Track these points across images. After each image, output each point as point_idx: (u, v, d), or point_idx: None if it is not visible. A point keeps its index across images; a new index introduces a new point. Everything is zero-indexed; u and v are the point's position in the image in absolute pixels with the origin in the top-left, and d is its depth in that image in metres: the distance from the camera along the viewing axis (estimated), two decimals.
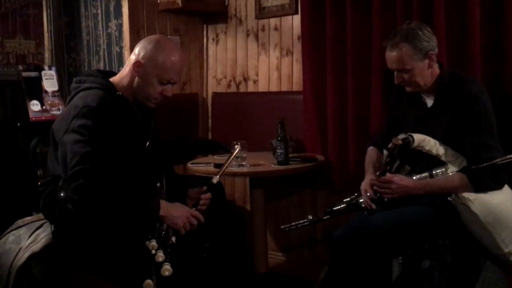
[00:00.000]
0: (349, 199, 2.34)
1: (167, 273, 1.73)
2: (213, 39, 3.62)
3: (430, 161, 2.17)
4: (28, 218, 2.38)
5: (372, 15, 2.73)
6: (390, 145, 2.13)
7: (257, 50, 3.41)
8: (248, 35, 3.44)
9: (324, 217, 2.37)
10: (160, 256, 1.74)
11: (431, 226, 2.13)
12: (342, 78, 2.89)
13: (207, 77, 3.67)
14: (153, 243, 1.77)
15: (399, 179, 2.13)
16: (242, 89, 3.50)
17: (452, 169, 2.12)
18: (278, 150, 2.78)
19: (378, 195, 2.19)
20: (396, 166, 2.22)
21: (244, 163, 2.74)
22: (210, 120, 3.64)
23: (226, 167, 2.10)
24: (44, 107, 3.08)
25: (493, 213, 2.04)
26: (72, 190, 1.73)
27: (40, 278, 2.14)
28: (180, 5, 3.26)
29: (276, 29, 3.31)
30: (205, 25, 3.64)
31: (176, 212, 1.86)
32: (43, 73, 3.14)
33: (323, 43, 2.95)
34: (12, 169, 2.91)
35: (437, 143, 2.15)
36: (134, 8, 3.26)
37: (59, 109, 3.09)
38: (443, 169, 2.13)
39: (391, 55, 2.18)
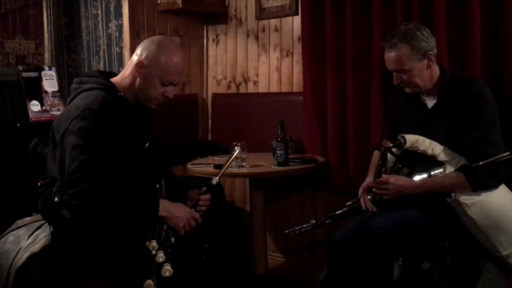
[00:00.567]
0: (351, 202, 2.35)
1: (167, 274, 1.73)
2: (213, 39, 3.62)
3: (429, 163, 2.16)
4: (28, 218, 2.38)
5: (372, 16, 2.73)
6: (381, 149, 2.15)
7: (257, 51, 3.41)
8: (248, 36, 3.44)
9: (327, 221, 2.38)
10: (161, 256, 1.74)
11: (431, 228, 2.13)
12: (342, 79, 2.89)
13: (207, 78, 3.67)
14: (154, 243, 1.77)
15: (395, 180, 2.14)
16: (242, 90, 3.50)
17: (450, 169, 2.11)
18: (278, 151, 2.77)
19: (377, 197, 2.19)
20: (394, 168, 2.22)
21: (244, 164, 2.74)
22: (210, 121, 3.64)
23: (226, 168, 2.10)
24: (44, 108, 3.08)
25: (490, 217, 2.04)
26: (69, 196, 1.73)
27: (39, 279, 2.14)
28: (180, 5, 3.26)
29: (276, 30, 3.31)
30: (205, 26, 3.64)
31: (178, 213, 1.86)
32: (43, 73, 3.14)
33: (323, 44, 2.95)
34: (11, 169, 2.91)
35: (433, 143, 2.15)
36: (134, 8, 3.26)
37: (59, 110, 3.08)
38: (441, 170, 2.13)
39: (389, 55, 2.18)
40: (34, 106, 3.05)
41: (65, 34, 3.53)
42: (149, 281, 1.73)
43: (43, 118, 3.04)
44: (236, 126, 3.39)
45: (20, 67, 3.15)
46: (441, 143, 2.15)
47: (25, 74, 3.09)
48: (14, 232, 2.30)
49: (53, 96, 3.14)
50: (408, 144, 2.14)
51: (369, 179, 2.29)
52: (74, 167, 1.74)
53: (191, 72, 3.61)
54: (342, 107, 2.91)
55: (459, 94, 2.14)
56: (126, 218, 1.81)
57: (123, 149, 1.87)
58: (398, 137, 2.16)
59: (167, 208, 1.85)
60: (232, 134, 3.21)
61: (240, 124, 3.37)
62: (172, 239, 1.85)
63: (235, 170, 2.71)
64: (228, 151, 2.87)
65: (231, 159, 2.14)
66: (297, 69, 3.21)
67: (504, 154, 1.98)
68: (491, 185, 2.06)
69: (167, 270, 1.74)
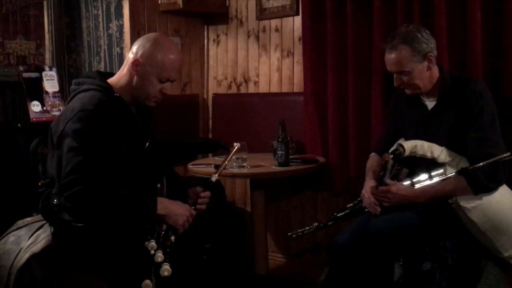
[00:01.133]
0: (352, 204, 2.35)
1: (166, 273, 1.73)
2: (214, 40, 3.61)
3: (430, 163, 2.16)
4: (29, 219, 2.38)
5: (373, 17, 2.73)
6: (382, 162, 2.15)
7: (258, 51, 3.41)
8: (249, 36, 3.44)
9: (329, 223, 2.39)
10: (159, 256, 1.74)
11: (431, 229, 2.13)
12: (343, 80, 2.89)
13: (207, 78, 3.67)
14: (152, 243, 1.77)
15: (397, 189, 2.13)
16: (242, 90, 3.50)
17: (450, 170, 2.11)
18: (278, 152, 2.77)
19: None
20: (393, 170, 2.22)
21: (244, 165, 2.74)
22: (210, 121, 3.64)
23: (225, 165, 2.10)
24: (44, 108, 3.08)
25: (491, 220, 2.04)
26: (65, 198, 1.74)
27: (40, 279, 2.14)
28: (181, 6, 3.26)
29: (277, 30, 3.31)
30: (205, 26, 3.64)
31: (177, 210, 1.86)
32: (43, 74, 3.14)
33: (324, 44, 2.95)
34: (12, 169, 2.90)
35: (432, 145, 2.15)
36: (134, 9, 3.26)
37: (59, 110, 3.08)
38: (442, 170, 2.12)
39: (390, 57, 2.18)
40: (35, 107, 3.05)
41: (66, 34, 3.53)
42: (147, 281, 1.73)
43: (43, 119, 3.04)
44: (236, 126, 3.39)
45: (21, 68, 3.15)
46: (442, 144, 2.15)
47: (25, 75, 3.08)
48: (15, 232, 2.30)
49: (54, 97, 3.13)
50: (407, 152, 2.14)
51: (370, 184, 2.27)
52: (68, 169, 1.75)
53: (192, 72, 3.61)
54: (342, 107, 2.91)
55: (458, 95, 2.14)
56: (123, 218, 1.81)
57: (121, 150, 1.86)
58: (397, 146, 2.16)
59: (166, 206, 1.85)
60: (232, 135, 3.21)
61: (240, 124, 3.37)
62: (172, 238, 1.85)
63: (236, 170, 2.71)
64: (228, 148, 2.86)
65: (230, 155, 2.14)
66: (298, 70, 3.21)
67: (505, 155, 1.97)
68: (492, 187, 2.06)
69: (166, 269, 1.74)
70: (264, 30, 3.37)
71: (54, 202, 1.86)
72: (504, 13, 2.39)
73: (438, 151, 2.14)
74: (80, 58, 3.53)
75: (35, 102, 3.06)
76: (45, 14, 3.43)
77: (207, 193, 2.07)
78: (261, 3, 3.33)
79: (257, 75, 3.43)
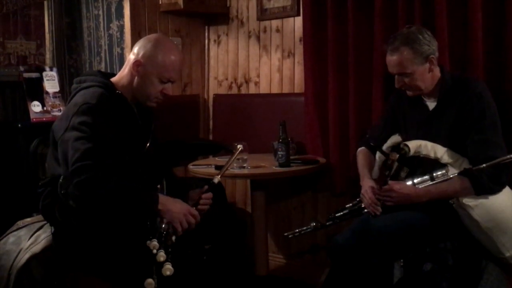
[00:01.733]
0: (351, 204, 2.34)
1: (168, 273, 1.73)
2: (215, 40, 3.61)
3: (431, 164, 2.16)
4: (29, 219, 2.38)
5: (374, 18, 2.73)
6: (388, 161, 2.14)
7: (259, 51, 3.40)
8: (249, 37, 3.44)
9: (327, 224, 2.38)
10: (161, 255, 1.74)
11: (432, 229, 2.12)
12: (344, 80, 2.89)
13: (208, 79, 3.67)
14: (154, 242, 1.77)
15: (400, 188, 2.12)
16: (243, 90, 3.50)
17: (452, 171, 2.11)
18: (279, 152, 2.77)
19: (380, 203, 2.18)
20: (394, 168, 2.22)
21: (245, 165, 2.74)
22: (211, 122, 3.64)
23: (228, 167, 2.10)
24: (45, 108, 3.07)
25: (493, 219, 2.04)
26: (74, 186, 1.71)
27: (40, 279, 2.14)
28: (182, 6, 3.26)
29: (277, 31, 3.31)
30: (206, 27, 3.64)
31: (174, 208, 1.86)
32: (44, 74, 3.14)
33: (324, 45, 2.95)
34: (12, 170, 2.90)
35: (435, 146, 2.14)
36: (135, 9, 3.26)
37: (60, 110, 3.08)
38: (444, 171, 2.12)
39: (391, 59, 2.17)
40: (35, 107, 3.05)
41: (67, 34, 3.53)
42: (150, 280, 1.73)
43: (44, 119, 3.03)
44: (237, 127, 3.39)
45: (21, 68, 3.15)
46: (443, 145, 2.14)
47: (26, 75, 3.08)
48: (15, 232, 2.30)
49: (54, 97, 3.13)
50: (411, 152, 2.13)
51: (368, 183, 2.25)
52: (77, 156, 1.73)
53: (193, 73, 3.61)
54: (343, 108, 2.91)
55: (458, 96, 2.14)
56: (127, 209, 1.80)
57: (121, 147, 1.86)
58: (402, 146, 2.15)
59: (163, 202, 1.84)
60: (233, 135, 3.21)
61: (241, 125, 3.37)
62: (173, 238, 1.84)
63: (236, 171, 2.71)
64: (230, 150, 2.86)
65: (233, 158, 2.14)
66: (299, 70, 3.21)
67: (508, 157, 1.97)
68: (495, 190, 2.05)
69: (168, 269, 1.73)
70: (265, 31, 3.37)
71: (62, 192, 1.83)
72: (505, 13, 2.39)
73: (442, 152, 2.13)
74: (81, 58, 3.53)
75: (36, 102, 3.06)
76: (46, 14, 3.43)
77: (209, 195, 2.07)
78: (262, 4, 3.33)
79: (258, 76, 3.43)
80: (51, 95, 3.12)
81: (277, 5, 3.27)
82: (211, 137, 3.64)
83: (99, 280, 1.89)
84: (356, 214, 2.33)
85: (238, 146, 2.21)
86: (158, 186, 1.98)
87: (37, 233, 2.25)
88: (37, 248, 2.17)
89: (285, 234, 2.46)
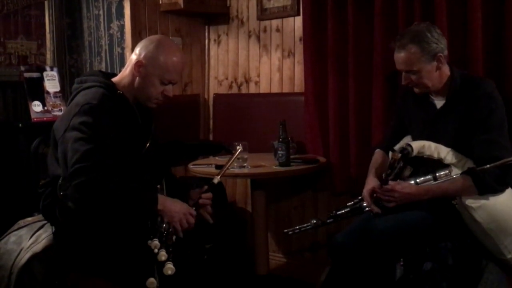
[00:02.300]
0: (352, 203, 2.34)
1: (169, 272, 1.73)
2: (215, 40, 3.62)
3: (434, 164, 2.16)
4: (30, 218, 2.38)
5: (373, 17, 2.73)
6: (390, 160, 2.14)
7: (259, 51, 3.41)
8: (249, 37, 3.44)
9: (328, 221, 2.37)
10: (163, 255, 1.74)
11: (433, 230, 2.12)
12: (344, 80, 2.89)
13: (208, 78, 3.67)
14: (156, 242, 1.77)
15: (401, 187, 2.11)
16: (243, 90, 3.50)
17: (456, 171, 2.10)
18: (279, 152, 2.77)
19: (381, 202, 2.18)
20: (398, 168, 2.21)
21: (245, 165, 2.74)
22: (211, 122, 3.64)
23: (228, 167, 2.10)
24: (45, 108, 3.08)
25: (496, 221, 2.03)
26: (73, 187, 1.72)
27: (41, 279, 2.14)
28: (182, 6, 3.26)
29: (277, 30, 3.32)
30: (206, 26, 3.64)
31: (173, 207, 1.86)
32: (45, 74, 3.14)
33: (324, 44, 2.95)
34: (13, 169, 2.91)
35: (439, 146, 2.13)
36: (136, 9, 3.26)
37: (60, 110, 3.09)
38: (447, 171, 2.12)
39: (399, 56, 2.17)
40: (36, 107, 3.05)
41: (67, 34, 3.54)
42: (152, 279, 1.73)
43: (45, 119, 3.04)
44: (237, 126, 3.39)
45: (22, 68, 3.15)
46: (448, 143, 2.13)
47: (27, 75, 3.09)
48: (16, 232, 2.30)
49: (55, 97, 3.14)
50: (415, 152, 2.13)
51: (372, 182, 2.25)
52: (76, 158, 1.74)
53: (193, 72, 3.61)
54: (343, 107, 2.91)
55: (468, 95, 2.12)
56: (126, 210, 1.80)
57: (122, 147, 1.87)
58: (405, 146, 2.14)
59: (162, 202, 1.84)
60: (233, 135, 3.21)
61: (241, 124, 3.37)
62: (174, 237, 1.85)
63: (237, 170, 2.71)
64: (230, 150, 2.87)
65: (233, 158, 2.14)
66: (299, 70, 3.21)
67: None
68: (498, 190, 2.05)
69: (169, 268, 1.74)
70: (265, 30, 3.37)
71: (61, 193, 1.84)
72: (504, 12, 2.39)
73: (445, 152, 2.12)
74: (81, 58, 3.54)
75: (36, 102, 3.06)
76: (46, 14, 3.44)
77: (209, 195, 2.07)
78: (262, 4, 3.33)
79: (258, 75, 3.43)
80: (51, 95, 3.13)
81: (277, 5, 3.27)
82: (211, 137, 3.64)
83: (99, 279, 1.89)
84: (357, 212, 2.32)
85: (238, 146, 2.21)
86: (158, 186, 1.98)
87: (38, 232, 2.25)
88: (38, 247, 2.17)
89: (285, 230, 2.45)
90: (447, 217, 2.11)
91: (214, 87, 3.64)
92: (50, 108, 3.09)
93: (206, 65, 3.67)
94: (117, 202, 1.77)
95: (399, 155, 2.11)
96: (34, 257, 2.14)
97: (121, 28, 3.31)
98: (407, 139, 2.32)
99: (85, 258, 1.91)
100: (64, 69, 3.51)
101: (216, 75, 3.63)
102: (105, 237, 1.87)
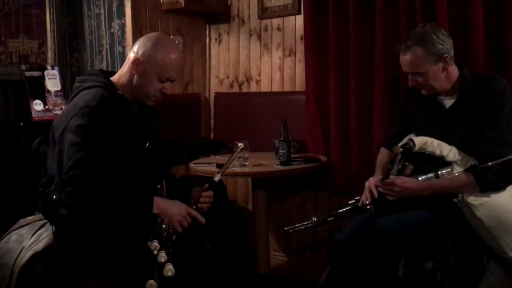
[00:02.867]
0: (353, 201, 2.34)
1: (169, 273, 1.74)
2: (216, 39, 3.62)
3: (436, 161, 2.15)
4: (31, 217, 2.39)
5: (375, 15, 2.73)
6: (391, 154, 2.13)
7: (260, 50, 3.41)
8: (250, 35, 3.44)
9: (329, 219, 2.37)
10: (162, 256, 1.75)
11: (435, 229, 2.11)
12: (345, 79, 2.89)
13: (209, 77, 3.67)
14: (155, 243, 1.77)
15: (402, 182, 2.11)
16: (244, 89, 3.50)
17: (458, 169, 2.10)
18: (280, 151, 2.77)
19: (381, 196, 2.18)
20: (400, 165, 2.21)
21: (246, 164, 2.74)
22: (212, 120, 3.64)
23: (229, 165, 2.10)
24: (46, 107, 3.08)
25: (498, 219, 2.03)
26: (66, 194, 1.73)
27: (42, 278, 2.14)
28: (183, 5, 3.26)
29: (278, 29, 3.31)
30: (207, 25, 3.64)
31: (171, 210, 1.86)
32: (46, 72, 3.14)
33: (325, 43, 2.95)
34: (14, 168, 2.91)
35: (441, 144, 2.13)
36: (137, 8, 3.26)
37: (61, 109, 3.09)
38: (449, 169, 2.11)
39: (404, 58, 2.16)
40: (37, 106, 3.06)
41: (68, 33, 3.54)
42: (151, 281, 1.73)
43: (46, 118, 3.04)
44: (238, 125, 3.39)
45: (23, 67, 3.16)
46: (458, 142, 2.13)
47: (28, 74, 3.09)
48: (17, 231, 2.30)
49: (56, 96, 3.14)
50: (417, 147, 2.12)
51: (377, 177, 2.25)
52: (70, 164, 1.74)
53: (194, 71, 3.61)
54: (344, 106, 2.91)
55: (479, 93, 2.11)
56: (120, 217, 1.81)
57: (122, 148, 1.87)
58: (408, 141, 2.14)
59: (159, 205, 1.84)
60: (234, 134, 3.22)
61: (242, 123, 3.37)
62: (173, 237, 1.85)
63: (238, 169, 2.71)
64: (231, 148, 2.86)
65: (234, 156, 2.14)
66: (300, 69, 3.21)
67: None
68: (500, 187, 2.04)
69: (169, 270, 1.74)
70: (266, 29, 3.37)
71: (54, 198, 1.85)
72: (506, 12, 2.38)
73: (447, 150, 2.12)
74: (82, 57, 3.54)
75: (37, 101, 3.07)
76: (47, 13, 3.44)
77: (210, 193, 2.07)
78: (263, 2, 3.33)
79: (259, 74, 3.43)
80: (53, 94, 3.13)
81: (278, 4, 3.27)
82: (212, 136, 3.64)
83: (100, 279, 1.89)
84: (359, 211, 2.32)
85: (239, 144, 2.21)
86: (158, 186, 1.98)
87: (39, 231, 2.25)
88: (39, 246, 2.17)
89: (286, 228, 2.45)
90: (449, 216, 2.11)
91: (215, 86, 3.64)
92: (51, 107, 3.10)
93: (207, 64, 3.67)
94: (110, 209, 1.78)
95: (401, 149, 2.11)
96: (35, 256, 2.15)
97: (122, 27, 3.31)
98: (411, 136, 2.32)
99: (85, 258, 1.91)
100: (65, 68, 3.51)
101: (217, 74, 3.63)
102: (105, 237, 1.87)
